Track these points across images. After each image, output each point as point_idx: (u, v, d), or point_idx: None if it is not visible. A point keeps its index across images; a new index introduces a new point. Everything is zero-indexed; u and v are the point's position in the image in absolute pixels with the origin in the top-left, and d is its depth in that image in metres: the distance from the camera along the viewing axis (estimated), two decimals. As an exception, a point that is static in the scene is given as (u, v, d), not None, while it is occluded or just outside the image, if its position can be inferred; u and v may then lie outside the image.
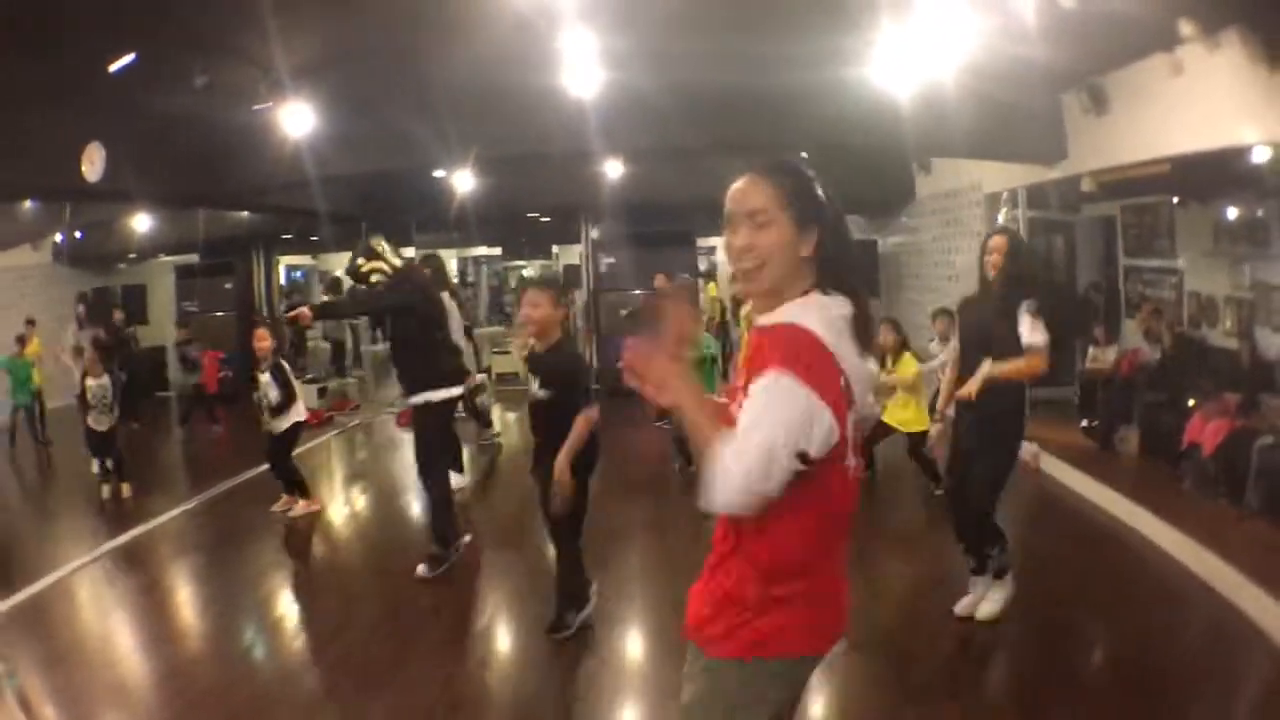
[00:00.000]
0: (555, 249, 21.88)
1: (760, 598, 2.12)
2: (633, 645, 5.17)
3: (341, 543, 7.57)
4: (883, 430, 7.68)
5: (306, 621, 5.77)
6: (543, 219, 17.90)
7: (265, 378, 7.57)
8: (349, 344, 18.69)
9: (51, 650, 5.30)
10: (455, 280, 14.29)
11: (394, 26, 6.07)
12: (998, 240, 5.01)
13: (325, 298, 17.32)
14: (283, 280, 20.30)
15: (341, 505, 8.43)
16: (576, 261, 19.68)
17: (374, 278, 6.23)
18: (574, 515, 4.86)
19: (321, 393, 13.37)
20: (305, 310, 6.24)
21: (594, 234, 15.52)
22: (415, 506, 8.01)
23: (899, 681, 4.57)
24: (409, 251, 17.97)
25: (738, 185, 2.19)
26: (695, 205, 13.10)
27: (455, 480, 7.62)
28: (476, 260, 25.47)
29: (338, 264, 20.10)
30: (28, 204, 10.64)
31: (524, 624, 5.42)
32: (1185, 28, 5.81)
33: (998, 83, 7.04)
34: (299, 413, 7.80)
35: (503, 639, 5.39)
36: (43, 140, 6.62)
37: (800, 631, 2.15)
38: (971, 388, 4.81)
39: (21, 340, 10.65)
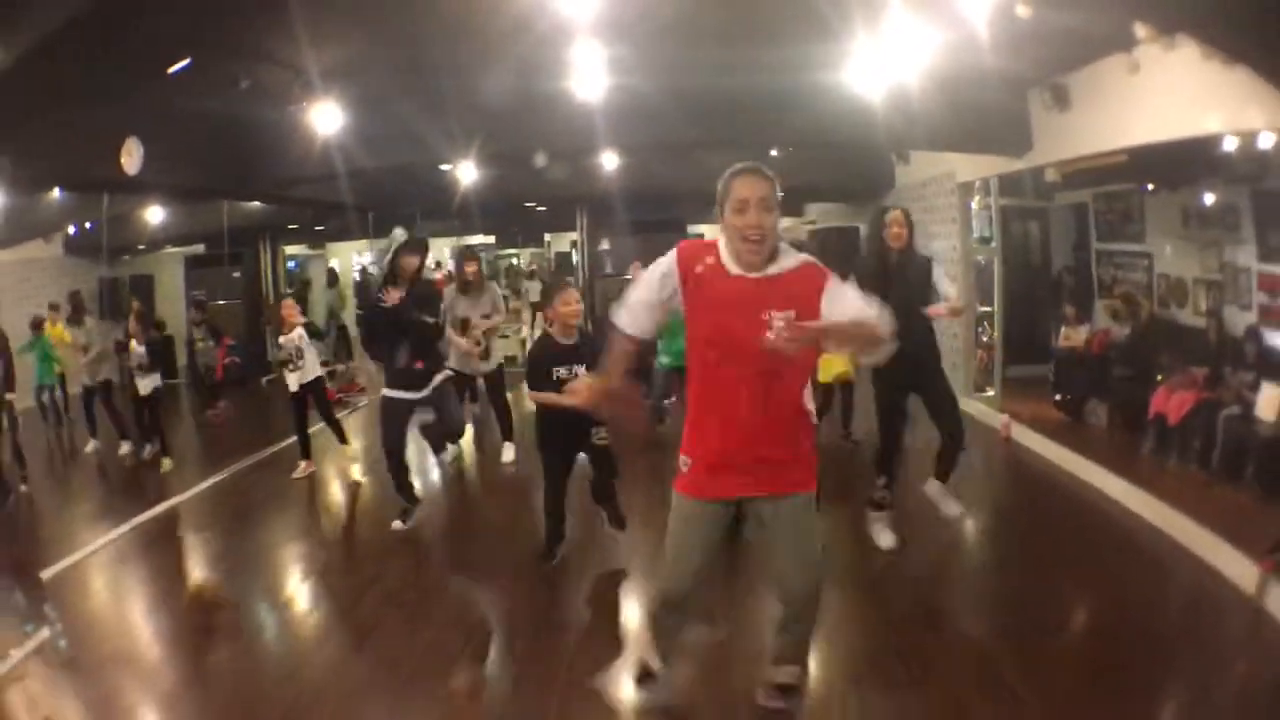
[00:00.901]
0: (547, 237, 22.02)
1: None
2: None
3: (363, 506, 8.04)
4: (829, 393, 8.44)
5: (347, 571, 6.38)
6: (539, 208, 18.25)
7: (297, 337, 8.33)
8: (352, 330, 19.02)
9: (92, 612, 5.81)
10: (450, 268, 14.70)
11: (413, 37, 6.54)
12: (899, 215, 5.84)
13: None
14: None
15: (361, 473, 8.90)
16: (567, 249, 20.17)
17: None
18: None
19: (331, 375, 13.75)
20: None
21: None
22: (434, 473, 8.63)
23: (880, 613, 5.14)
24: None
25: (751, 179, 3.19)
26: (686, 194, 13.63)
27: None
28: (471, 248, 25.64)
29: (335, 254, 20.67)
30: (55, 195, 10.99)
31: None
32: (1141, 31, 6.18)
33: (967, 84, 7.42)
34: (316, 369, 8.57)
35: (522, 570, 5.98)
36: (86, 135, 7.08)
37: None
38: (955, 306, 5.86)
39: (39, 324, 10.97)
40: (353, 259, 20.31)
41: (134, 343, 9.32)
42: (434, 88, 7.79)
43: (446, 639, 4.98)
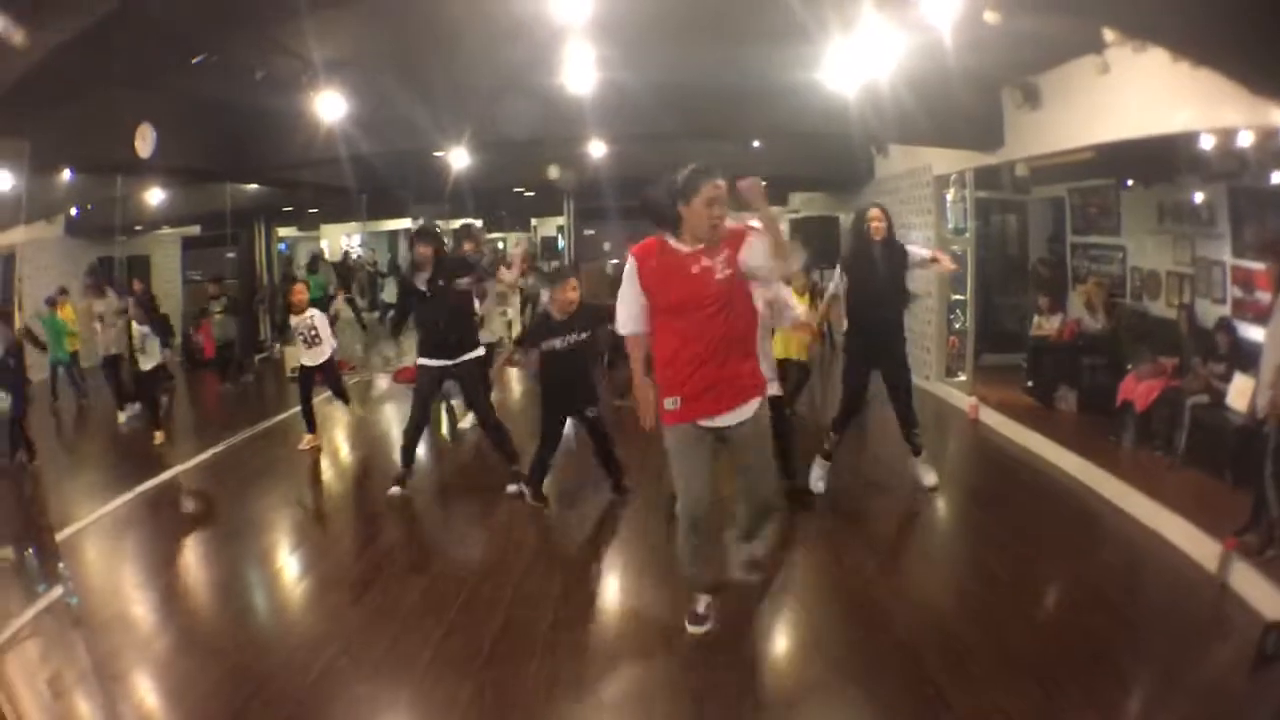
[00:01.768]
0: (534, 221, 22.20)
1: None
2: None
3: (360, 475, 8.52)
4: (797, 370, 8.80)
5: (346, 532, 6.90)
6: (526, 193, 18.48)
7: (311, 316, 8.69)
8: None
9: (98, 575, 6.09)
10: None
11: (412, 32, 6.92)
12: (878, 211, 6.62)
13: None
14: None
15: (361, 447, 9.38)
16: (553, 234, 20.45)
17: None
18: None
19: None
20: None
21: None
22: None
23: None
24: (405, 222, 18.84)
25: (719, 183, 4.06)
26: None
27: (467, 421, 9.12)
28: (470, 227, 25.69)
29: (326, 236, 20.87)
30: (64, 177, 11.20)
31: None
32: (1110, 36, 6.40)
33: (942, 82, 7.66)
34: (330, 348, 8.93)
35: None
36: (104, 120, 7.37)
37: None
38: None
39: (52, 302, 11.30)
40: (341, 241, 20.50)
41: (134, 324, 9.66)
42: (429, 80, 8.17)
43: (441, 588, 5.38)
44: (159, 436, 9.71)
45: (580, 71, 7.23)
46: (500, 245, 22.64)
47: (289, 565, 6.06)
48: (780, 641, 4.70)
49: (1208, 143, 7.14)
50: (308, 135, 8.04)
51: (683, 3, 6.42)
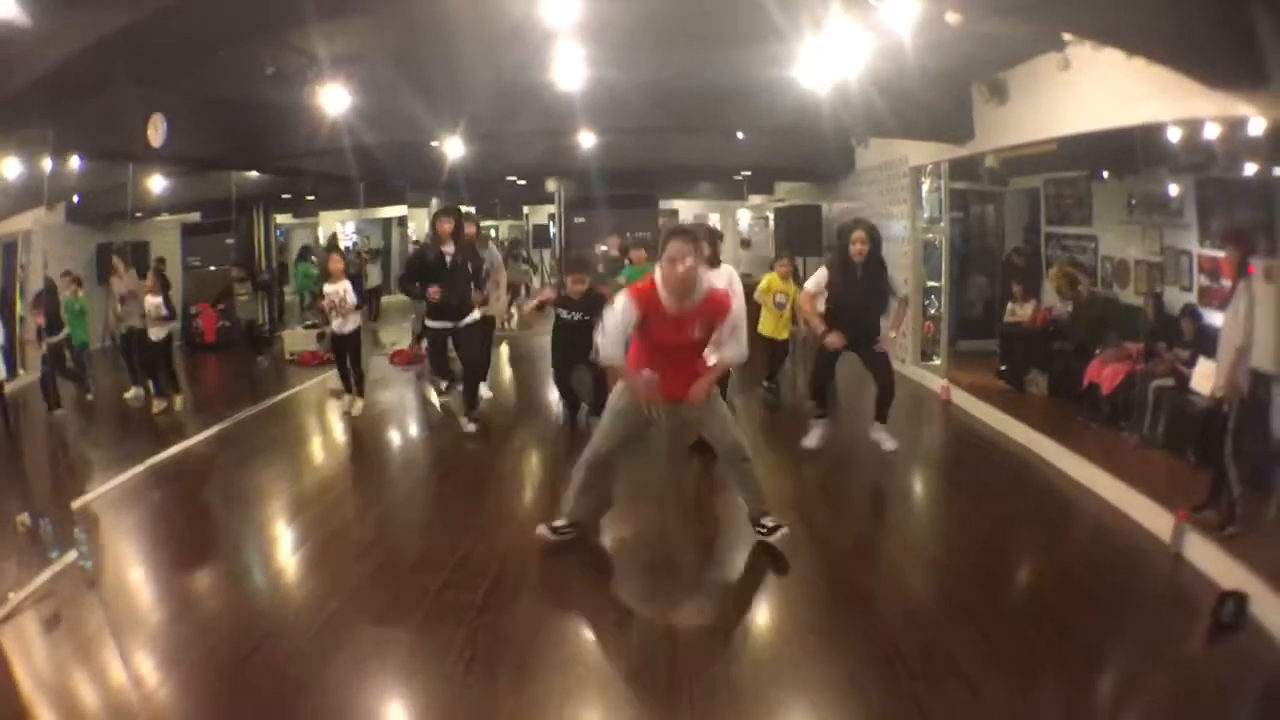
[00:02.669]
0: (525, 209, 22.57)
1: None
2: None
3: (365, 445, 9.02)
4: (779, 347, 9.79)
5: (350, 494, 7.36)
6: (519, 182, 18.78)
7: (343, 287, 9.35)
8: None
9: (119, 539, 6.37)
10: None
11: (412, 31, 7.29)
12: (861, 233, 7.14)
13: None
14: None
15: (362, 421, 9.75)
16: (545, 221, 20.73)
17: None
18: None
19: (320, 337, 13.98)
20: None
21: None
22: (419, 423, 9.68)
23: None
24: (400, 209, 19.12)
25: (679, 241, 4.92)
26: (658, 171, 14.17)
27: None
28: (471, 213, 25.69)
29: (323, 222, 21.00)
30: (73, 165, 11.42)
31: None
32: (1068, 36, 6.71)
33: (914, 78, 7.87)
34: (359, 319, 9.68)
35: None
36: (119, 110, 7.70)
37: None
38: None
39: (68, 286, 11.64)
40: (336, 227, 20.72)
41: (149, 296, 10.14)
42: (428, 74, 8.56)
43: (440, 544, 5.82)
44: (170, 404, 10.23)
45: (570, 69, 7.57)
46: (494, 232, 22.91)
47: (298, 524, 6.43)
48: (760, 613, 4.98)
49: (1175, 135, 7.25)
50: (312, 126, 8.38)
51: (665, 7, 6.76)
